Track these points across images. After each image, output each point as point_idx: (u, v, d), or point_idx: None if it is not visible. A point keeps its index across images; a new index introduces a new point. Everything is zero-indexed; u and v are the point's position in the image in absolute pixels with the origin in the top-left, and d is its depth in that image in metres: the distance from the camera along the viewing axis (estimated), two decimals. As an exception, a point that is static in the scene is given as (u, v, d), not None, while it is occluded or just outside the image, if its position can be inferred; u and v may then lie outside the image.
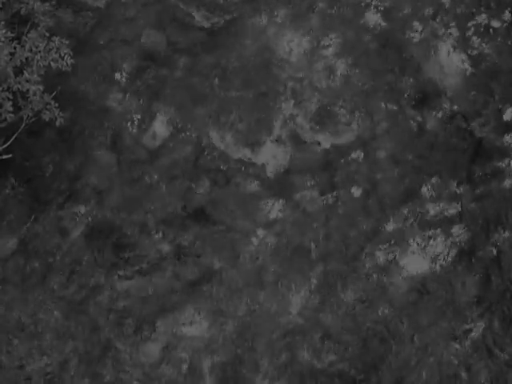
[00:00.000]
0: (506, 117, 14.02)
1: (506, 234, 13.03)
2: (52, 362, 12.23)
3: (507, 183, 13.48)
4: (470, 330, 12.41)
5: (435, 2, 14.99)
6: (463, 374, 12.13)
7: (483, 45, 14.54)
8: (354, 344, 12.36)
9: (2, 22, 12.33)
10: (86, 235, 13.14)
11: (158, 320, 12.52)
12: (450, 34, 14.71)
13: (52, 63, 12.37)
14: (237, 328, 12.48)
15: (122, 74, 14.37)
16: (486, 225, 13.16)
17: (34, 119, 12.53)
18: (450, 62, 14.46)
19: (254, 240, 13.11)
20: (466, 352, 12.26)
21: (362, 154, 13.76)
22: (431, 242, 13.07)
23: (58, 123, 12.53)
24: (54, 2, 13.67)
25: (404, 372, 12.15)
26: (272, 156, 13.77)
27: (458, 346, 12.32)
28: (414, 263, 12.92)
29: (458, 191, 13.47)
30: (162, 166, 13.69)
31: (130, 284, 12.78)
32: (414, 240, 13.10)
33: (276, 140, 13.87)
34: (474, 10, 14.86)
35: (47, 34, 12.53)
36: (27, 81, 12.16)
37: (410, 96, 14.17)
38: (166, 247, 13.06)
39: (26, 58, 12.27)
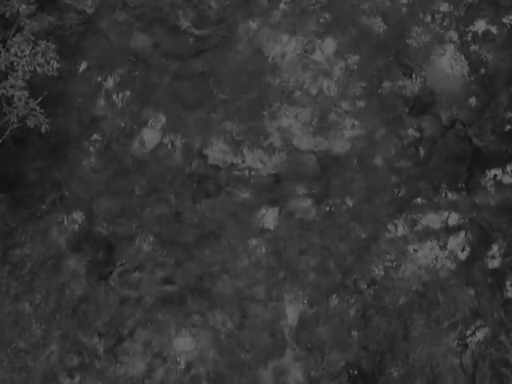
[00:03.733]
0: (505, 124, 14.01)
1: (505, 243, 13.01)
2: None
3: (506, 191, 13.43)
4: (470, 342, 12.44)
5: (434, 7, 14.91)
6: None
7: (482, 50, 14.52)
8: (349, 357, 12.39)
9: (-13, 27, 12.25)
10: (72, 245, 13.05)
11: (147, 332, 12.47)
12: (449, 39, 14.68)
13: (38, 68, 12.30)
14: (228, 341, 12.41)
15: (110, 80, 14.24)
16: (485, 234, 13.16)
17: (18, 125, 12.40)
18: (448, 68, 14.44)
19: (246, 250, 12.99)
20: (466, 364, 12.30)
21: (358, 161, 13.68)
22: (429, 252, 13.03)
23: (43, 130, 12.49)
24: (39, 5, 13.51)
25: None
26: (265, 164, 13.66)
27: (458, 358, 12.34)
28: (412, 274, 12.85)
29: (456, 200, 13.42)
30: (151, 173, 13.58)
31: (117, 294, 12.73)
32: (411, 250, 13.04)
33: (269, 147, 13.77)
34: (474, 15, 14.84)
35: (33, 38, 12.47)
36: (12, 86, 12.08)
37: (408, 102, 14.13)
38: (155, 258, 12.95)
39: (11, 63, 12.18)
